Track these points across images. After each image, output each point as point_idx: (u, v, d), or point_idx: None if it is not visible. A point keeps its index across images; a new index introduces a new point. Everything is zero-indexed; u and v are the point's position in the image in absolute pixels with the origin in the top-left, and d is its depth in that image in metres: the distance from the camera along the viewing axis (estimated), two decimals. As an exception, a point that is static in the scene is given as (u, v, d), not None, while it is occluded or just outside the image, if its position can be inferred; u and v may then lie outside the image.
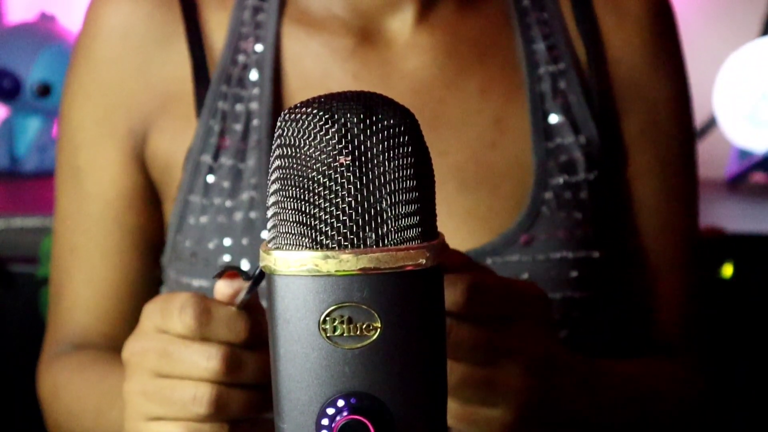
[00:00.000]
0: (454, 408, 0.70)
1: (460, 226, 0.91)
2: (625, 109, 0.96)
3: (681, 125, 0.99)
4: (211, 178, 0.93)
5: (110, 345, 0.95)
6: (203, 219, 0.92)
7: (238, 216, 0.91)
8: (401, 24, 0.95)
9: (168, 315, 0.69)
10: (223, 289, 0.69)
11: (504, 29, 0.96)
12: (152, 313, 0.70)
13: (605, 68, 0.96)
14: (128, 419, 0.71)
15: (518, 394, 0.71)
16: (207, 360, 0.67)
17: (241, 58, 0.95)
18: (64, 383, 0.93)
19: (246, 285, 0.68)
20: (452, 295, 0.67)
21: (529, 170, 0.93)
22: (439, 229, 0.59)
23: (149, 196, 0.97)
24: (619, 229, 0.97)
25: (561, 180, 0.93)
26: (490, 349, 0.69)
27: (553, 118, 0.94)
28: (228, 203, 0.92)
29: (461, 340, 0.68)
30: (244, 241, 0.91)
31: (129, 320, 0.96)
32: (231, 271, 0.69)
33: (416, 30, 0.94)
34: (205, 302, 0.68)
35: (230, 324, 0.68)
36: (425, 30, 0.95)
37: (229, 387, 0.68)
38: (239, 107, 0.94)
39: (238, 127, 0.93)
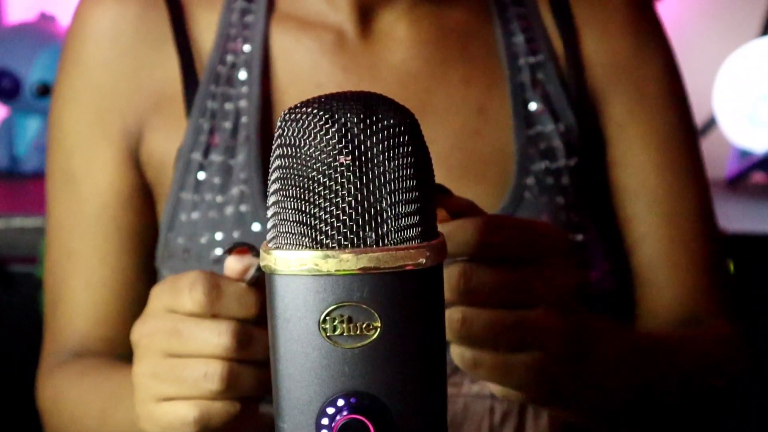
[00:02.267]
0: (485, 359, 0.68)
1: None
2: (609, 93, 0.98)
3: (672, 99, 1.00)
4: (201, 175, 0.93)
5: (110, 350, 0.95)
6: (195, 215, 0.93)
7: (229, 210, 0.92)
8: (388, 18, 0.96)
9: (177, 293, 0.68)
10: (233, 264, 0.69)
11: (485, 23, 0.99)
12: (161, 293, 0.70)
13: (582, 59, 0.98)
14: (139, 402, 0.71)
15: (549, 335, 0.68)
16: (218, 336, 0.67)
17: (229, 58, 0.96)
18: (65, 389, 0.92)
19: (255, 262, 0.67)
20: (465, 236, 0.65)
21: (512, 157, 0.94)
22: None
23: (145, 197, 0.97)
24: (609, 210, 0.97)
25: (542, 166, 0.94)
26: (513, 291, 0.67)
27: (533, 106, 0.96)
28: (219, 198, 0.92)
29: (483, 283, 0.66)
30: (235, 234, 0.91)
31: (129, 323, 0.95)
32: (242, 248, 0.69)
33: (402, 23, 0.97)
34: (214, 278, 0.68)
35: (240, 299, 0.67)
36: (410, 23, 0.97)
37: (240, 363, 0.68)
38: (228, 105, 0.94)
39: (228, 124, 0.94)
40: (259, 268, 0.67)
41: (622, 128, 0.98)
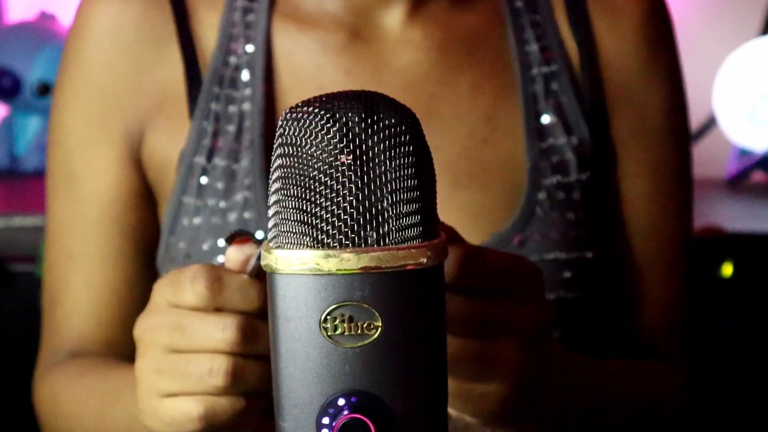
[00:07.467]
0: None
1: (453, 224, 0.90)
2: (615, 110, 0.96)
3: (674, 128, 0.98)
4: (204, 180, 0.92)
5: (109, 351, 0.94)
6: (197, 220, 0.92)
7: (232, 217, 0.91)
8: (393, 20, 0.95)
9: (179, 287, 0.68)
10: (234, 254, 0.68)
11: (497, 28, 0.97)
12: (163, 288, 0.69)
13: (597, 70, 0.96)
14: (142, 397, 0.70)
15: (513, 369, 0.68)
16: (222, 331, 0.66)
17: (232, 59, 0.95)
18: (62, 389, 0.92)
19: (256, 251, 0.67)
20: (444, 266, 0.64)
21: (522, 170, 0.93)
22: None
23: (146, 198, 0.96)
24: (610, 229, 0.97)
25: (554, 180, 0.93)
26: (484, 323, 0.67)
27: (546, 119, 0.94)
28: (222, 204, 0.91)
29: (454, 313, 0.66)
30: None
31: (129, 325, 0.95)
32: (242, 237, 0.68)
33: (408, 26, 0.95)
34: (216, 271, 0.67)
35: (243, 291, 0.67)
36: (417, 26, 0.95)
37: (245, 358, 0.67)
38: (232, 108, 0.94)
39: (231, 128, 0.93)
40: (259, 258, 0.66)
41: (622, 150, 0.96)
